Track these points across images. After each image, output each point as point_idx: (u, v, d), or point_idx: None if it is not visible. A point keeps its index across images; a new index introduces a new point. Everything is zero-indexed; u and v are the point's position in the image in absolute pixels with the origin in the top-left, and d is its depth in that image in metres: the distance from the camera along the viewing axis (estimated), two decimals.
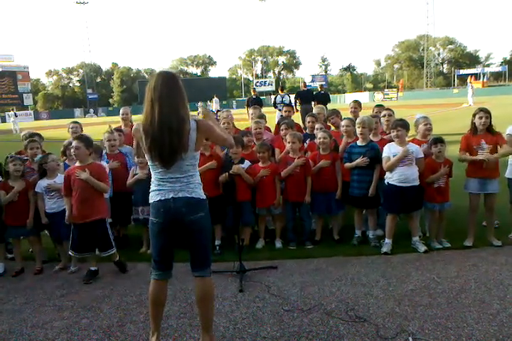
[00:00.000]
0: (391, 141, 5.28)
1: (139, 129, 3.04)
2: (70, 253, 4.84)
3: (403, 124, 5.05)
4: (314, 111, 6.65)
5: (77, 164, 4.78)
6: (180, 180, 3.04)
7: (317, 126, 5.97)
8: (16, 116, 34.05)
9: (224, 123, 5.90)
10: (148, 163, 3.13)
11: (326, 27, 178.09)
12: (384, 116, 6.01)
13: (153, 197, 3.10)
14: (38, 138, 5.89)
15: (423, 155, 5.07)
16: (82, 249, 4.76)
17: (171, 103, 2.93)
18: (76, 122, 6.70)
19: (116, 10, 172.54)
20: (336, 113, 6.44)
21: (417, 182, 4.98)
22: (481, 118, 4.98)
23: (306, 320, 3.64)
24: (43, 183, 5.07)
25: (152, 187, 3.13)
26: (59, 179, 5.09)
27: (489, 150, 4.96)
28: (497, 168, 5.07)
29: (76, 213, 4.67)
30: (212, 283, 3.30)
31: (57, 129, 27.23)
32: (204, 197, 3.16)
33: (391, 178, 5.01)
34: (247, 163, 5.39)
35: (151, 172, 3.15)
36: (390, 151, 4.99)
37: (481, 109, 5.03)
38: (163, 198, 3.04)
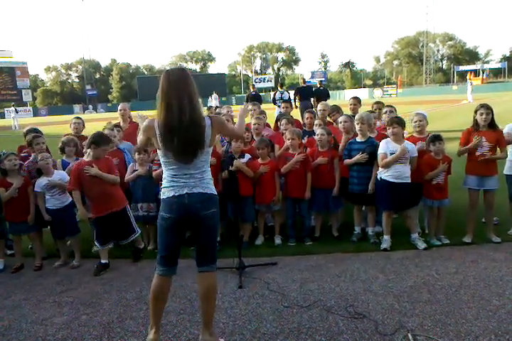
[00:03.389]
0: None
1: (152, 126, 3.01)
2: (96, 244, 4.94)
3: (399, 121, 5.03)
4: (318, 107, 6.64)
5: (86, 158, 4.84)
6: (194, 176, 3.04)
7: (316, 122, 5.97)
8: (17, 112, 34.01)
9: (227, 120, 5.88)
10: (162, 160, 3.10)
11: (325, 23, 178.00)
12: (385, 112, 6.00)
13: (165, 193, 3.09)
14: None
15: (417, 154, 5.08)
16: (106, 240, 4.90)
17: (194, 98, 2.96)
18: (79, 118, 6.71)
19: (115, 5, 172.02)
20: (336, 109, 6.43)
21: (408, 180, 4.98)
22: (481, 114, 4.97)
23: (305, 316, 3.65)
24: (41, 182, 5.06)
25: (164, 183, 3.11)
26: (56, 175, 5.10)
27: (489, 148, 4.96)
28: (495, 165, 5.08)
29: (95, 208, 4.82)
30: (217, 279, 3.30)
31: (56, 125, 27.18)
32: (216, 193, 3.17)
33: (385, 174, 5.00)
34: (247, 157, 5.39)
35: (163, 169, 3.14)
36: (388, 148, 4.98)
37: (482, 105, 5.03)
38: (177, 194, 3.03)
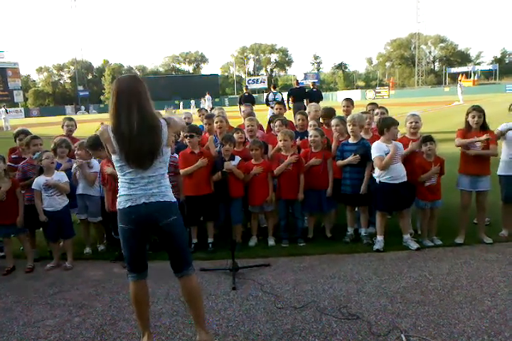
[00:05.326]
0: None
1: (106, 130, 2.94)
2: (113, 234, 5.10)
3: (396, 122, 5.07)
4: (309, 109, 6.61)
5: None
6: (152, 180, 2.99)
7: (310, 123, 5.97)
8: (7, 113, 33.71)
9: (217, 122, 5.85)
10: (117, 165, 3.01)
11: (318, 25, 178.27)
12: (377, 114, 6.00)
13: (121, 203, 3.01)
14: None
15: (404, 151, 5.10)
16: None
17: (143, 105, 2.93)
18: (71, 119, 6.62)
19: (107, 6, 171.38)
20: (329, 114, 6.39)
21: (405, 178, 5.01)
22: (473, 117, 5.01)
23: (299, 317, 3.65)
24: (40, 181, 5.00)
25: (121, 191, 3.02)
26: (56, 176, 5.05)
27: (481, 148, 4.99)
28: (488, 164, 5.11)
29: (111, 202, 4.90)
30: (197, 280, 3.30)
31: (47, 126, 27.02)
32: (175, 199, 3.15)
33: (384, 177, 5.00)
34: (237, 159, 5.38)
35: (118, 176, 3.04)
36: (382, 150, 4.99)
37: (474, 108, 5.05)
38: (133, 204, 2.96)
